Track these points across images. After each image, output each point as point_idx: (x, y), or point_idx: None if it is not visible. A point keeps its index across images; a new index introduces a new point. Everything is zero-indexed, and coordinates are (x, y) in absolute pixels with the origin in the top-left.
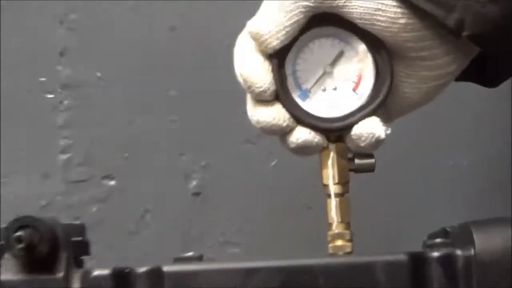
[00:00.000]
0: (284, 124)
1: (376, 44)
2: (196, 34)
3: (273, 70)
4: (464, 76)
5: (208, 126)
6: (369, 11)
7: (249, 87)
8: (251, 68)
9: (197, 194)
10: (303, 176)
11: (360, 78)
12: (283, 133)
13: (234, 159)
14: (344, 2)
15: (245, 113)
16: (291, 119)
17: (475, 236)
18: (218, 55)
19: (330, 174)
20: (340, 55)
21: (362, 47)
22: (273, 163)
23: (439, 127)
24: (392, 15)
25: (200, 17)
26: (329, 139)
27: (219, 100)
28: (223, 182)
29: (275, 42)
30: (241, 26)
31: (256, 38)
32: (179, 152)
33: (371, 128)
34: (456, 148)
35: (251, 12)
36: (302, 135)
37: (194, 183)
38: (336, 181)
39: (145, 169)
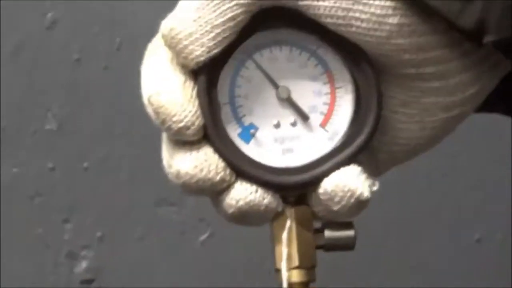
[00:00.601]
0: (217, 178)
1: (356, 55)
2: None
3: (199, 95)
4: (489, 104)
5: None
6: (342, 5)
7: (163, 121)
8: (165, 91)
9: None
10: (248, 256)
11: (331, 108)
12: (216, 191)
13: (146, 227)
14: None
15: (160, 161)
16: (228, 170)
17: None
18: None
19: (284, 254)
20: (300, 72)
21: (334, 60)
22: (203, 237)
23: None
24: (379, 11)
25: None
26: (285, 201)
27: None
28: (122, 265)
29: (199, 51)
30: None
31: (171, 44)
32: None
33: (348, 182)
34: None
35: None
36: (244, 194)
37: (84, 265)
38: (296, 264)
39: None
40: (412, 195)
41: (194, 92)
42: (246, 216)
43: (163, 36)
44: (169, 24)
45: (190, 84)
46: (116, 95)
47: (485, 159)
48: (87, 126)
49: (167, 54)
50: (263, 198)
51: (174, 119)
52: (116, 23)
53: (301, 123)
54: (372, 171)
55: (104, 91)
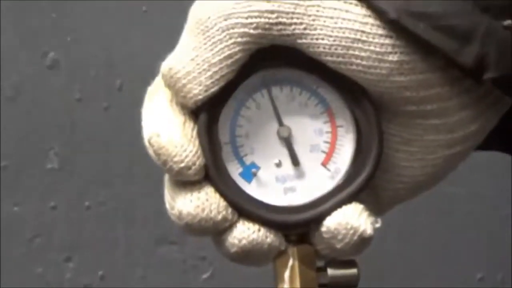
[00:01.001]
0: (219, 217)
1: (356, 94)
2: None
3: (199, 135)
4: (488, 141)
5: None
6: (342, 43)
7: (164, 162)
8: (165, 132)
9: None
10: None
11: (332, 147)
12: (219, 231)
13: (147, 266)
14: (304, 28)
15: (161, 200)
16: (230, 209)
17: None
18: None
19: None
20: (301, 111)
21: (334, 99)
22: (205, 275)
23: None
24: (378, 49)
25: None
26: (288, 239)
27: None
28: None
29: (197, 89)
30: None
31: (170, 83)
32: None
33: (350, 220)
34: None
35: None
36: (246, 233)
37: None
38: None
39: None
40: (414, 234)
41: (195, 132)
42: (249, 255)
43: (163, 76)
44: (168, 63)
45: (190, 125)
46: (117, 135)
47: (487, 199)
48: (88, 166)
49: (167, 95)
50: (266, 237)
51: (175, 159)
52: (117, 63)
53: (302, 162)
54: (375, 209)
55: (104, 131)
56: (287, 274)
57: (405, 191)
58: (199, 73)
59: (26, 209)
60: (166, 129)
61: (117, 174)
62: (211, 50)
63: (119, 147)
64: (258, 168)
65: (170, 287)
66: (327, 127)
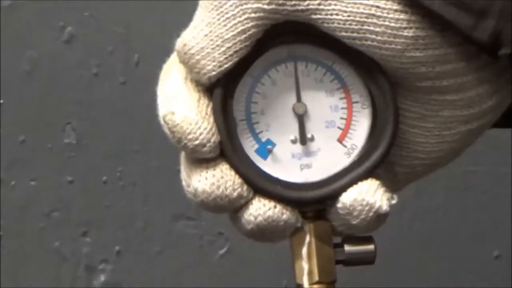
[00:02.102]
0: (235, 195)
1: (372, 69)
2: None
3: (214, 112)
4: (506, 119)
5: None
6: (356, 19)
7: (179, 140)
8: (180, 110)
9: None
10: (267, 271)
11: (348, 123)
12: (234, 208)
13: (163, 242)
14: (318, 3)
15: (178, 176)
16: (245, 186)
17: None
18: None
19: (305, 269)
20: (317, 87)
21: (350, 75)
22: (221, 251)
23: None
24: (393, 24)
25: None
26: (304, 216)
27: None
28: (140, 279)
29: (210, 65)
30: None
31: (184, 59)
32: None
33: (367, 196)
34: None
35: None
36: (262, 210)
37: (102, 279)
38: (316, 279)
39: None
40: (430, 212)
41: (209, 110)
42: (265, 232)
43: (177, 52)
44: (182, 39)
45: (204, 102)
46: (134, 110)
47: (504, 177)
48: (105, 140)
49: (181, 73)
50: (282, 214)
51: (190, 137)
52: (134, 38)
53: (318, 139)
54: (391, 185)
55: (122, 106)
56: (304, 251)
57: (421, 167)
58: (213, 48)
59: (43, 183)
60: (180, 107)
61: (134, 149)
62: (225, 25)
63: (136, 122)
64: (273, 144)
65: (187, 262)
66: (342, 103)
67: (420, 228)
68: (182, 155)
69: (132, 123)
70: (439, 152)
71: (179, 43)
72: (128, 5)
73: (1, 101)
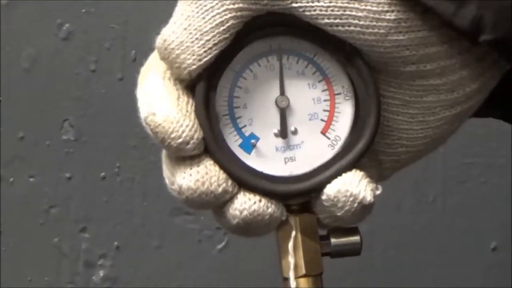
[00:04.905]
0: (220, 190)
1: (353, 59)
2: None
3: (196, 108)
4: (487, 106)
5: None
6: (338, 4)
7: (162, 140)
8: (160, 110)
9: None
10: (265, 265)
11: (331, 115)
12: (219, 203)
13: (162, 237)
14: None
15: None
16: (230, 181)
17: None
18: None
19: (291, 263)
20: (299, 80)
21: (332, 67)
22: (219, 246)
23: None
24: (375, 8)
25: None
26: (289, 209)
27: None
28: (139, 274)
29: (190, 59)
30: None
31: (164, 55)
32: None
33: (350, 187)
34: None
35: None
36: (247, 204)
37: (101, 274)
38: (303, 272)
39: None
40: (428, 203)
41: (190, 107)
42: (251, 227)
43: (158, 49)
44: (162, 35)
45: (184, 99)
46: (132, 106)
47: (502, 169)
48: (104, 136)
49: (159, 72)
50: (267, 208)
51: (172, 136)
52: (132, 35)
53: (301, 131)
54: (376, 174)
55: (119, 102)
56: (290, 245)
57: (406, 155)
58: (192, 42)
59: (42, 180)
60: (161, 107)
61: (132, 145)
62: (203, 18)
63: (134, 118)
64: (257, 139)
65: (186, 257)
66: (325, 95)
67: (418, 220)
68: (164, 153)
69: (130, 119)
70: (423, 139)
71: (159, 39)
72: (125, 1)
73: (0, 98)
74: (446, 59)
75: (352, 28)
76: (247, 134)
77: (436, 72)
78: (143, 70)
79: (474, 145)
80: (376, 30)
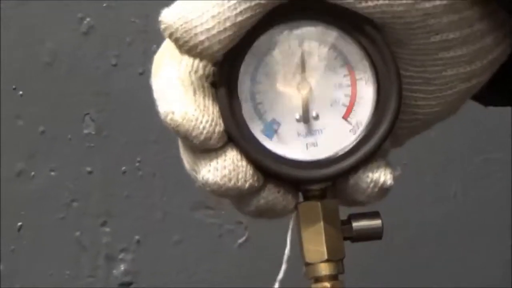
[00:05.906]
0: (246, 186)
1: (375, 42)
2: None
3: (219, 97)
4: (487, 90)
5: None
6: None
7: (185, 138)
8: (179, 108)
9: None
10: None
11: (353, 100)
12: (245, 195)
13: (183, 231)
14: None
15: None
16: (256, 176)
17: None
18: None
19: (314, 248)
20: (320, 66)
21: (353, 52)
22: (240, 240)
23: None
24: None
25: None
26: (311, 194)
27: None
28: (160, 268)
29: (216, 47)
30: None
31: (185, 40)
32: None
33: (371, 173)
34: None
35: None
36: (271, 195)
37: (122, 268)
38: (324, 257)
39: None
40: (448, 199)
41: (207, 100)
42: (263, 215)
43: (179, 35)
44: (173, 14)
45: (201, 94)
46: (153, 100)
47: None
48: (124, 130)
49: (173, 64)
50: (283, 200)
51: (194, 134)
52: (153, 29)
53: (323, 116)
54: (392, 144)
55: (140, 96)
56: (312, 230)
57: (421, 126)
58: (215, 28)
59: (63, 174)
60: (178, 105)
61: (153, 139)
62: (228, 5)
63: (155, 112)
64: (279, 124)
65: (206, 251)
66: (346, 81)
67: (437, 216)
68: (180, 143)
69: (150, 113)
70: (438, 112)
71: (168, 21)
72: None
73: (21, 92)
74: (468, 27)
75: (381, 1)
76: (269, 119)
77: (459, 41)
78: (157, 58)
79: (494, 141)
80: (404, 1)
